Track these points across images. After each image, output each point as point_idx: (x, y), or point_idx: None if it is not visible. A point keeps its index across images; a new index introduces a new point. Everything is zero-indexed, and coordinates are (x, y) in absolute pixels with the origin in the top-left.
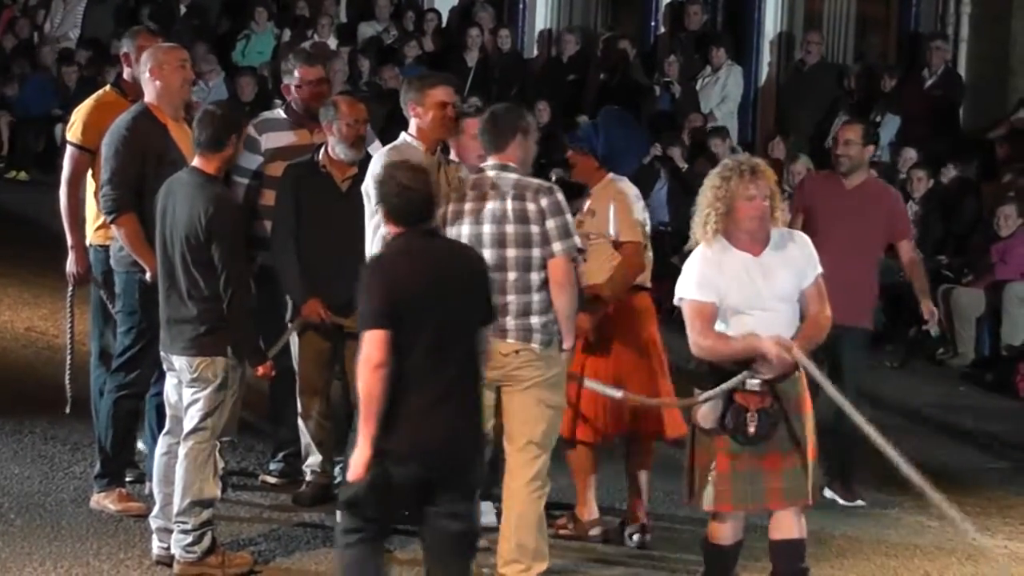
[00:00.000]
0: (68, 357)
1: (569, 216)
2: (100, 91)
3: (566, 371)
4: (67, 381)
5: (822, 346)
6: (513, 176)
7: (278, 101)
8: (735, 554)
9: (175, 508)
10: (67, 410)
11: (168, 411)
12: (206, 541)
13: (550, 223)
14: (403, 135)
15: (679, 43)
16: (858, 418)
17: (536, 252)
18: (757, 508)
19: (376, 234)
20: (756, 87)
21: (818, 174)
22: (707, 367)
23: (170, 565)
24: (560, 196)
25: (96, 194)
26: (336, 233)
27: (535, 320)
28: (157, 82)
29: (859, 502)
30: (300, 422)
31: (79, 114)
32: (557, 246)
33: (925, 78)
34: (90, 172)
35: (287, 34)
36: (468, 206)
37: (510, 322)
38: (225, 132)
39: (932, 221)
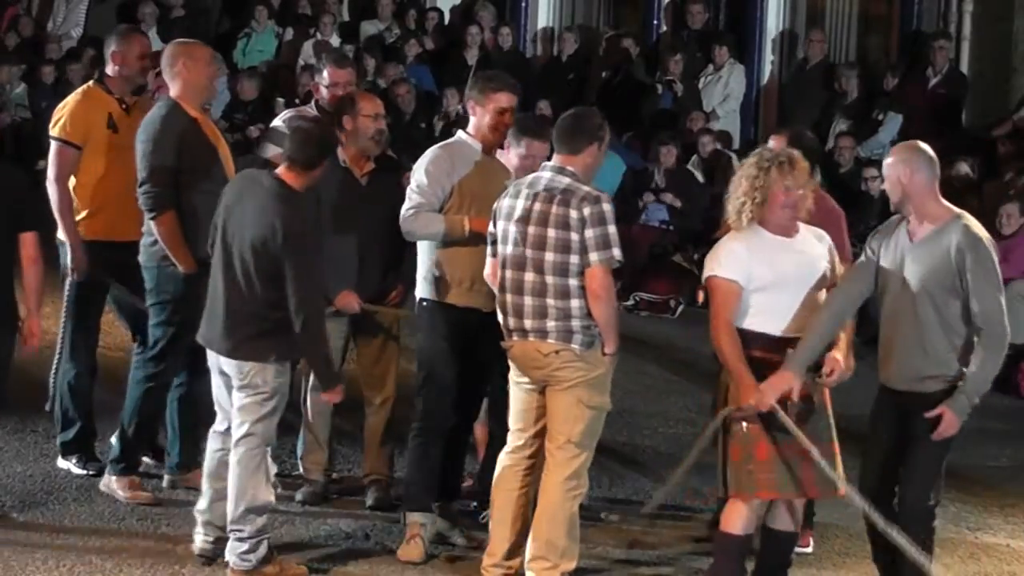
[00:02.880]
0: (57, 355)
1: (612, 227)
2: (83, 87)
3: (610, 374)
4: (51, 379)
5: None
6: (566, 180)
7: (280, 100)
8: (747, 545)
9: (229, 516)
10: (47, 407)
11: (218, 409)
12: (262, 550)
13: (589, 232)
14: (459, 133)
15: (681, 41)
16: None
17: (574, 259)
18: (795, 495)
19: (407, 208)
20: (758, 86)
21: None
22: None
23: (212, 559)
24: (606, 206)
25: (133, 190)
26: (358, 226)
27: (576, 323)
28: (187, 77)
29: None
30: (309, 419)
31: (64, 110)
32: (594, 256)
33: (929, 77)
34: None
35: (289, 33)
36: (520, 203)
37: (550, 324)
38: (319, 153)
39: None
